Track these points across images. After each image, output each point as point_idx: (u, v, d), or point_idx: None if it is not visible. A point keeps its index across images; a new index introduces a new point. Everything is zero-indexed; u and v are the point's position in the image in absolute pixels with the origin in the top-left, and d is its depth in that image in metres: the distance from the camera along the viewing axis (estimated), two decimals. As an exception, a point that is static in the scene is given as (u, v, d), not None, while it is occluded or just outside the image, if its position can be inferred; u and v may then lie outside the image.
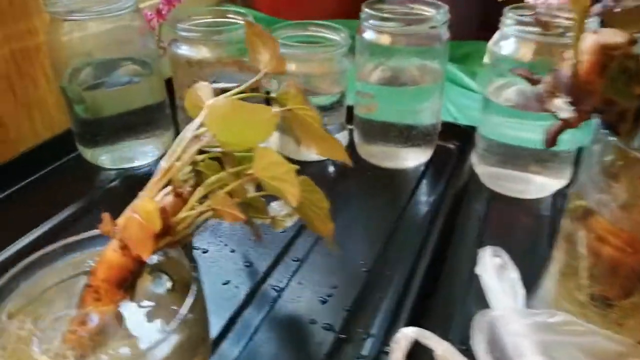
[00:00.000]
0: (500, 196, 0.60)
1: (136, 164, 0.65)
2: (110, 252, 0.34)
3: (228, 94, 0.37)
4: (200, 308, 0.34)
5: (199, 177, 0.38)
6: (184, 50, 0.61)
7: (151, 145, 0.66)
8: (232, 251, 0.52)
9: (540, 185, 0.59)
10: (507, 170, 0.60)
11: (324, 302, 0.46)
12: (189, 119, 0.36)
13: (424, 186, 0.62)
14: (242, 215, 0.35)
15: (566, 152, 0.58)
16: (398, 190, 0.61)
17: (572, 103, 0.33)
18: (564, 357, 0.36)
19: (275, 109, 0.38)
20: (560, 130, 0.35)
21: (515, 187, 0.60)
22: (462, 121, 0.78)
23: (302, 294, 0.47)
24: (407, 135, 0.64)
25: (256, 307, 0.45)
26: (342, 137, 0.68)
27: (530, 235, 0.54)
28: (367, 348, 0.41)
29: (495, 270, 0.44)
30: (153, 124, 0.65)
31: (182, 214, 0.35)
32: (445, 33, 0.60)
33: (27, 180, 0.62)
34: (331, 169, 0.65)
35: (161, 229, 0.34)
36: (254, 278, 0.48)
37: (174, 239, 0.35)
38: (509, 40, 0.55)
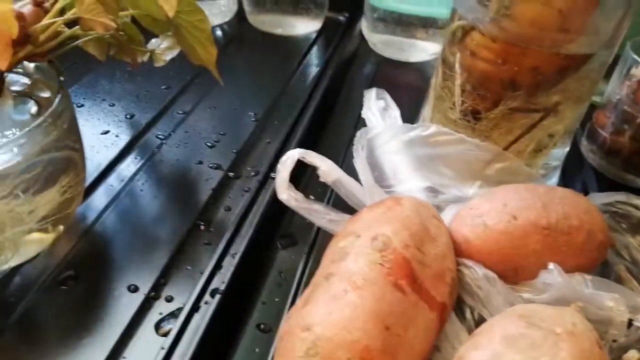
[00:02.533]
0: (388, 60, 0.61)
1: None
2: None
3: None
4: (67, 115, 0.32)
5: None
6: None
7: None
8: (112, 105, 0.49)
9: (423, 48, 0.61)
10: (396, 37, 0.61)
11: (212, 146, 0.45)
12: None
13: (314, 51, 0.62)
14: (112, 23, 0.32)
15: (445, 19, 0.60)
16: (289, 55, 0.61)
17: None
18: (437, 168, 0.38)
19: None
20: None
21: (402, 52, 0.61)
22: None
23: (189, 140, 0.45)
24: (297, 1, 0.62)
25: (139, 152, 0.44)
26: (230, 4, 0.65)
27: (414, 91, 0.56)
28: (253, 183, 0.42)
29: (378, 110, 0.45)
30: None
31: (45, 21, 0.32)
32: None
33: None
34: (219, 33, 0.63)
35: (20, 36, 0.31)
36: (137, 128, 0.46)
37: (35, 49, 0.32)
38: None
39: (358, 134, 0.38)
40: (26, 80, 0.35)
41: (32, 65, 0.35)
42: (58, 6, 0.32)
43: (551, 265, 0.30)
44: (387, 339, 0.24)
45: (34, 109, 0.34)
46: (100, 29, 0.32)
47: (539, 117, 0.37)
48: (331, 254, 0.29)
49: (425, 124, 0.37)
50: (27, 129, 0.28)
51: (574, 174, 0.47)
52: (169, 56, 0.40)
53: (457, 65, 0.38)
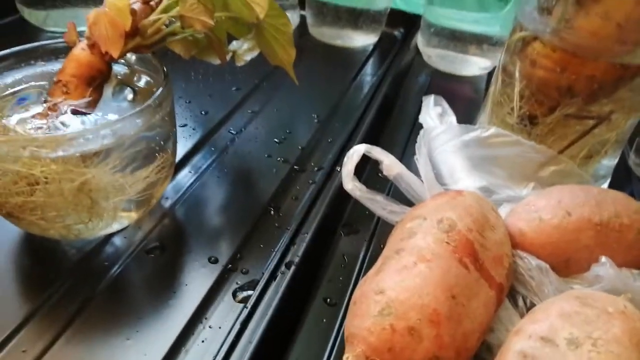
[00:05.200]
0: (442, 73, 0.64)
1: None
2: (79, 51, 0.35)
3: None
4: (169, 102, 0.36)
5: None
6: None
7: None
8: (188, 102, 0.53)
9: (476, 63, 0.64)
10: (449, 51, 0.64)
11: (279, 142, 0.49)
12: None
13: (371, 62, 0.65)
14: (210, 21, 0.36)
15: (499, 37, 0.62)
16: (347, 65, 0.64)
17: None
18: (492, 169, 0.41)
19: None
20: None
21: (455, 66, 0.64)
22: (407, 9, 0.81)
23: (258, 136, 0.49)
24: (357, 17, 0.66)
25: (214, 144, 0.48)
26: (293, 17, 0.69)
27: (466, 101, 0.59)
28: (318, 176, 0.45)
29: (436, 115, 0.48)
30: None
31: (152, 17, 0.36)
32: None
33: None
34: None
35: (131, 29, 0.35)
36: (211, 123, 0.50)
37: (143, 42, 0.36)
38: None
39: (421, 132, 0.41)
40: (126, 70, 0.39)
41: (133, 57, 0.40)
42: (164, 4, 0.37)
43: (603, 259, 0.32)
44: (453, 307, 0.27)
45: (130, 96, 0.38)
46: (199, 26, 0.37)
47: (593, 125, 0.39)
48: (400, 233, 0.32)
49: (485, 126, 0.40)
50: (140, 107, 0.32)
51: (621, 186, 0.48)
52: (249, 56, 0.44)
53: (517, 73, 0.41)
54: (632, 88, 0.39)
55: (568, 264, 0.34)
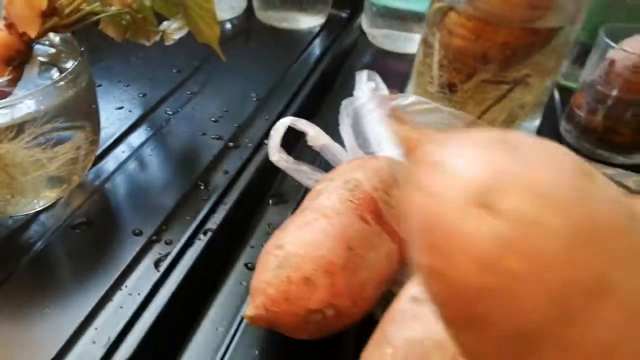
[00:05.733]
0: (386, 51, 0.65)
1: None
2: (-5, 30, 0.35)
3: None
4: (85, 78, 0.36)
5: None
6: None
7: None
8: (127, 85, 0.53)
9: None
10: (392, 30, 0.65)
11: (215, 121, 0.49)
12: None
13: (316, 43, 0.66)
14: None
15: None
16: (292, 46, 0.65)
17: None
18: (417, 137, 0.42)
19: None
20: None
21: (399, 44, 0.66)
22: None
23: (195, 116, 0.50)
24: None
25: (149, 125, 0.48)
26: (240, 1, 0.70)
27: (406, 79, 0.60)
28: (250, 151, 0.46)
29: (369, 90, 0.49)
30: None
31: (67, -5, 0.36)
32: None
33: None
34: (228, 26, 0.68)
35: (48, 8, 0.36)
36: (148, 104, 0.51)
37: (61, 21, 0.37)
38: None
39: (343, 103, 0.42)
40: (51, 51, 0.40)
41: (57, 38, 0.40)
42: (80, -17, 0.37)
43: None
44: (349, 258, 0.28)
45: (56, 75, 0.39)
46: (118, 4, 0.37)
47: (507, 89, 0.40)
48: (309, 195, 0.33)
49: (405, 94, 0.41)
50: (50, 82, 0.32)
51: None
52: (177, 35, 0.45)
53: (436, 44, 0.42)
54: (544, 52, 0.40)
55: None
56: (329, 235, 0.28)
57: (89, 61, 0.37)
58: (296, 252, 0.27)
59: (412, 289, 0.27)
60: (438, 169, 0.17)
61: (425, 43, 0.43)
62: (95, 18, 0.39)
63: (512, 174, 0.16)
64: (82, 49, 0.37)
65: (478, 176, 0.16)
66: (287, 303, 0.27)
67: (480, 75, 0.40)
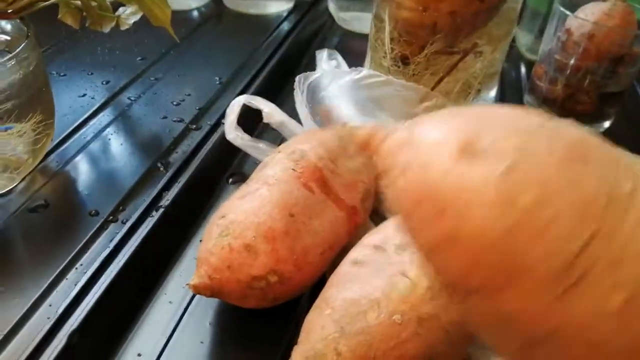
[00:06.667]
0: (352, 33, 0.66)
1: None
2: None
3: None
4: (33, 60, 0.36)
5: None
6: None
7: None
8: (90, 74, 0.54)
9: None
10: (357, 12, 0.66)
11: (177, 104, 0.50)
12: None
13: (283, 26, 0.66)
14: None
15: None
16: (260, 31, 0.65)
17: None
18: (374, 112, 0.42)
19: None
20: None
21: (365, 25, 0.66)
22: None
23: (157, 100, 0.50)
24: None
25: (111, 110, 0.48)
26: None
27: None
28: (206, 131, 0.46)
29: (330, 68, 0.50)
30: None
31: (13, -20, 0.37)
32: None
33: None
34: (196, 14, 0.68)
35: (-9, -7, 0.36)
36: (111, 91, 0.51)
37: (7, 7, 0.37)
38: None
39: (297, 79, 0.42)
40: (4, 38, 0.40)
41: (8, 26, 0.40)
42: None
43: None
44: (290, 224, 0.28)
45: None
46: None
47: (458, 58, 0.41)
48: (256, 169, 0.33)
49: (357, 68, 0.41)
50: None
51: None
52: (131, 20, 0.45)
53: (386, 17, 0.42)
54: (494, 21, 0.40)
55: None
56: (268, 202, 0.28)
57: (38, 44, 0.37)
58: (236, 220, 0.28)
59: (353, 253, 0.28)
60: (415, 146, 0.18)
61: (377, 17, 0.44)
62: (42, 5, 0.39)
63: (484, 124, 0.17)
64: (29, 32, 0.37)
65: (455, 135, 0.17)
66: (230, 270, 0.27)
67: (432, 47, 0.40)
